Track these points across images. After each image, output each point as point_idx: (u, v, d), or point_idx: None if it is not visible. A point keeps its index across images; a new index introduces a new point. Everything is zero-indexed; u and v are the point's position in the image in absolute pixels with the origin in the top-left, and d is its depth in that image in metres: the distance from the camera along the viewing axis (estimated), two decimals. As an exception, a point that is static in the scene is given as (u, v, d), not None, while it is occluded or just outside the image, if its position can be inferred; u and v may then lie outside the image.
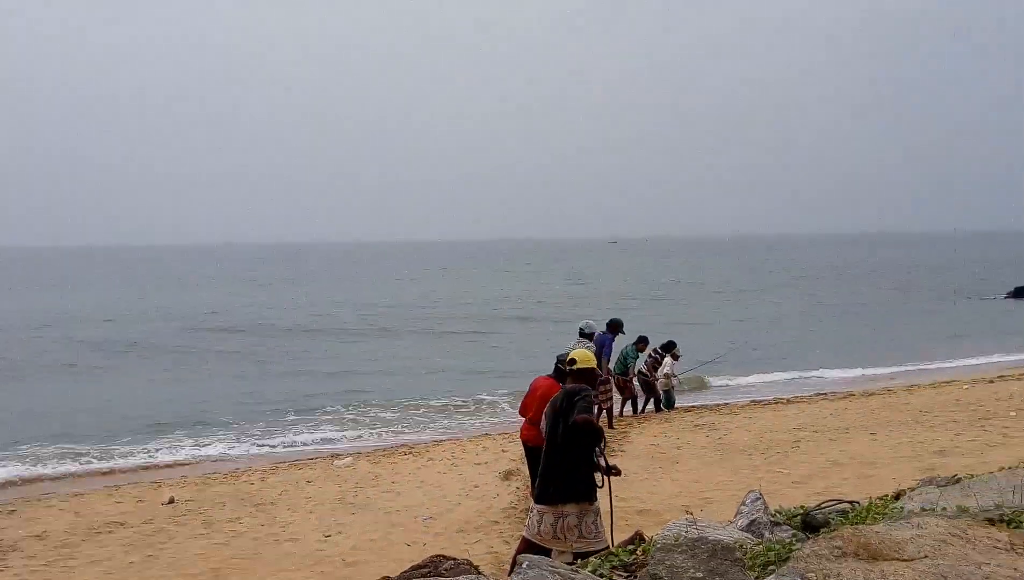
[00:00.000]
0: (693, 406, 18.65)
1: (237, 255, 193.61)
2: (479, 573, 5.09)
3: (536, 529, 6.93)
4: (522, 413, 9.81)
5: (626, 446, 13.88)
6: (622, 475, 11.78)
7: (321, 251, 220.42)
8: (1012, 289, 51.82)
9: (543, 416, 7.07)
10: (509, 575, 7.14)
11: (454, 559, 5.12)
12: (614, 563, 4.64)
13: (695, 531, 4.53)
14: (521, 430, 9.89)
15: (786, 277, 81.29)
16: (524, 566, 3.89)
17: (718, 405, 18.70)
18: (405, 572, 5.25)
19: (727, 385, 23.79)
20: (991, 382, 18.36)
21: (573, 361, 7.15)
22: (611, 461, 12.65)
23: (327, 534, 10.31)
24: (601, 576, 4.43)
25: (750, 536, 4.68)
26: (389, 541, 9.92)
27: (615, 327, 15.89)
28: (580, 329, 14.20)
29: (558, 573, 3.88)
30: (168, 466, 15.67)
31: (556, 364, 9.87)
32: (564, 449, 6.95)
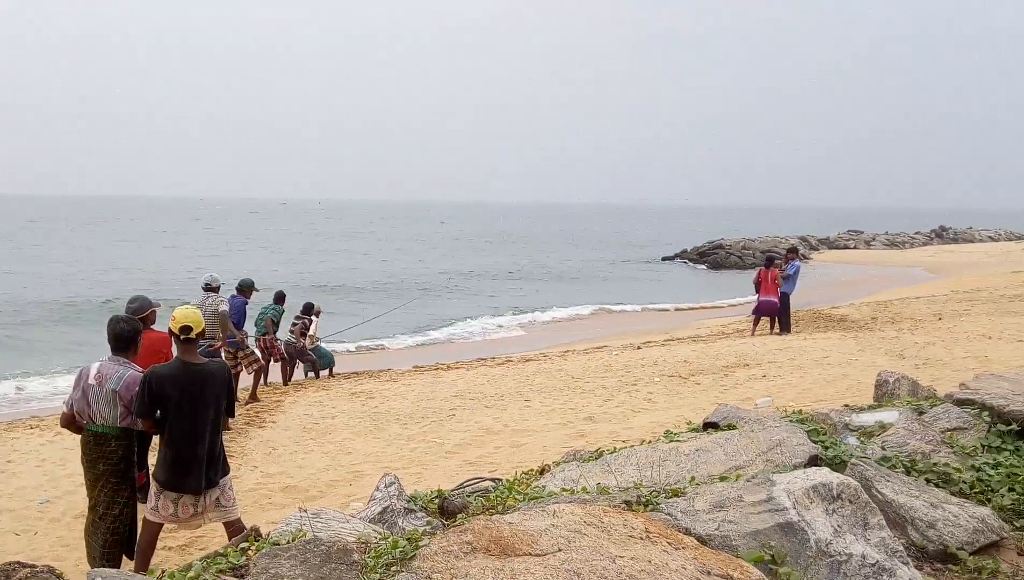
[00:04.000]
0: (355, 372, 18.19)
1: None
2: (61, 581, 4.28)
3: (172, 511, 6.25)
4: None
5: (278, 416, 13.14)
6: (272, 450, 11.11)
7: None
8: (662, 256, 66.36)
9: (170, 394, 6.17)
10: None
11: (32, 566, 4.28)
12: (221, 566, 3.99)
13: (313, 527, 3.99)
14: None
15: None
16: (93, 584, 3.17)
17: (380, 371, 18.33)
18: (-32, 585, 4.31)
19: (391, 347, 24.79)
20: (638, 348, 19.18)
21: (189, 328, 6.26)
22: (261, 433, 11.94)
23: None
24: (203, 583, 3.78)
25: (378, 529, 4.19)
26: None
27: (247, 289, 14.58)
28: (206, 283, 12.88)
29: (136, 590, 3.20)
30: None
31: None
32: (215, 433, 6.36)
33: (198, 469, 6.21)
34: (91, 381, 6.66)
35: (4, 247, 65.54)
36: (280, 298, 16.73)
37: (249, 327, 15.04)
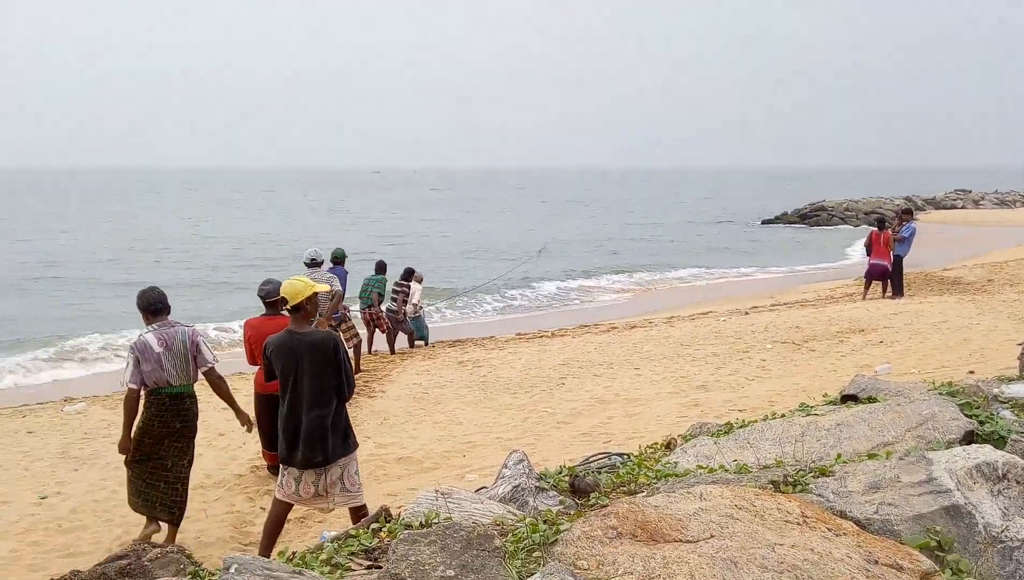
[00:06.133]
0: (458, 340, 18.15)
1: None
2: (192, 562, 4.24)
3: (294, 489, 6.19)
4: (252, 362, 8.74)
5: (387, 386, 13.15)
6: (384, 420, 11.07)
7: None
8: (761, 219, 64.39)
9: (276, 364, 6.12)
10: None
11: (161, 547, 4.25)
12: (353, 548, 3.88)
13: (447, 508, 3.85)
14: (256, 379, 8.90)
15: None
16: (231, 570, 3.07)
17: (484, 339, 18.26)
18: (100, 564, 4.30)
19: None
20: (746, 314, 18.77)
21: (284, 300, 6.16)
22: (372, 403, 11.89)
23: (43, 495, 9.05)
24: (337, 566, 3.68)
25: (511, 509, 4.03)
26: (116, 502, 8.76)
27: (342, 259, 14.63)
28: (311, 258, 12.57)
29: (273, 576, 3.09)
30: None
31: (263, 301, 8.89)
32: (322, 406, 6.13)
33: (304, 442, 6.07)
34: (157, 349, 6.97)
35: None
36: (382, 268, 16.67)
37: (350, 298, 15.00)
